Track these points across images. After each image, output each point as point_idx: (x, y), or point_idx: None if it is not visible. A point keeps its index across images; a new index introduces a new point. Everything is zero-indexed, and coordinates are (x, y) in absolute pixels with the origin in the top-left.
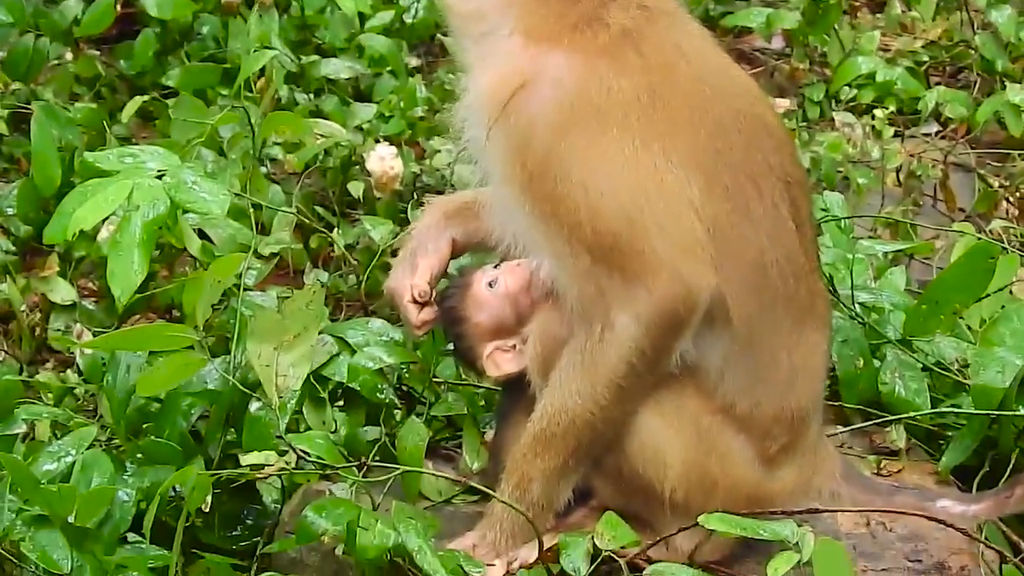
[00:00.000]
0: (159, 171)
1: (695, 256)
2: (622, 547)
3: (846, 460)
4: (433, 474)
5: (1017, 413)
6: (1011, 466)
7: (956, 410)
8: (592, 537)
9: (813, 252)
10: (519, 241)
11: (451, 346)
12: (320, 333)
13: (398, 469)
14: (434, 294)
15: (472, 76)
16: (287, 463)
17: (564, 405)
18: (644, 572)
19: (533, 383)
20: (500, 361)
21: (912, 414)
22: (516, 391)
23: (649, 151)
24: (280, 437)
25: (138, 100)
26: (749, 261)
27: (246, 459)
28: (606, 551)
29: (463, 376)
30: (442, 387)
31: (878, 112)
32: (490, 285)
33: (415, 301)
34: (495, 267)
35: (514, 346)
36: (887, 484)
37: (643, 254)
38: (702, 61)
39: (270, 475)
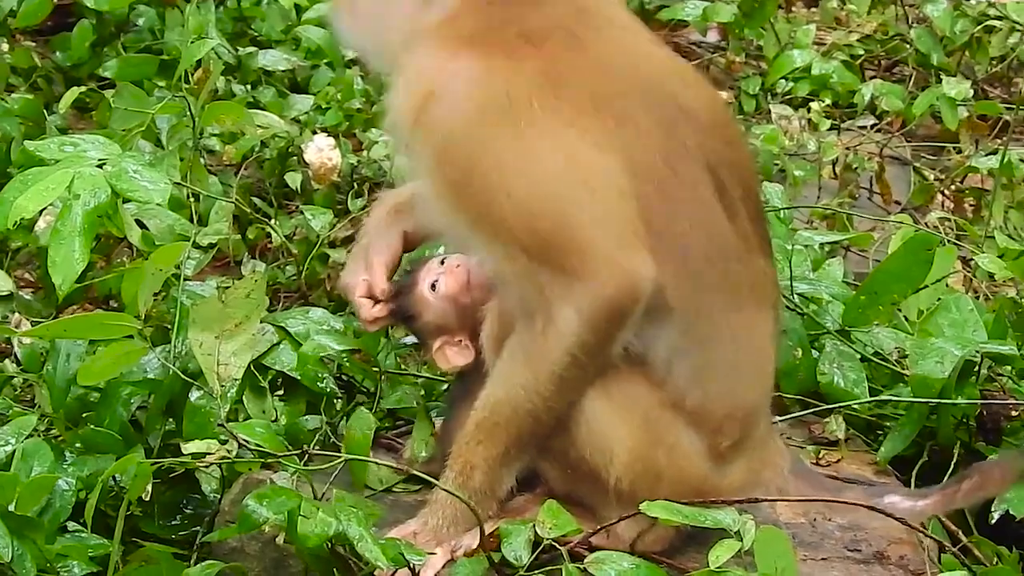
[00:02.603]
0: (100, 160)
1: (632, 245)
2: (564, 535)
3: (795, 455)
4: (377, 463)
5: (956, 403)
6: (955, 459)
7: (895, 398)
8: (534, 525)
9: (755, 233)
10: (456, 244)
11: (409, 338)
12: (260, 322)
13: (340, 457)
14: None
15: (391, 92)
16: (228, 451)
17: (507, 396)
18: (586, 560)
19: (488, 362)
20: (449, 355)
21: (851, 403)
22: (469, 379)
23: (562, 140)
24: (221, 425)
25: (75, 91)
26: (677, 246)
27: (187, 448)
28: (547, 539)
29: (403, 366)
30: (383, 377)
31: (814, 105)
32: (432, 287)
33: (370, 297)
34: (441, 263)
35: (460, 340)
36: (834, 481)
37: (580, 248)
38: (604, 46)
39: (211, 464)
